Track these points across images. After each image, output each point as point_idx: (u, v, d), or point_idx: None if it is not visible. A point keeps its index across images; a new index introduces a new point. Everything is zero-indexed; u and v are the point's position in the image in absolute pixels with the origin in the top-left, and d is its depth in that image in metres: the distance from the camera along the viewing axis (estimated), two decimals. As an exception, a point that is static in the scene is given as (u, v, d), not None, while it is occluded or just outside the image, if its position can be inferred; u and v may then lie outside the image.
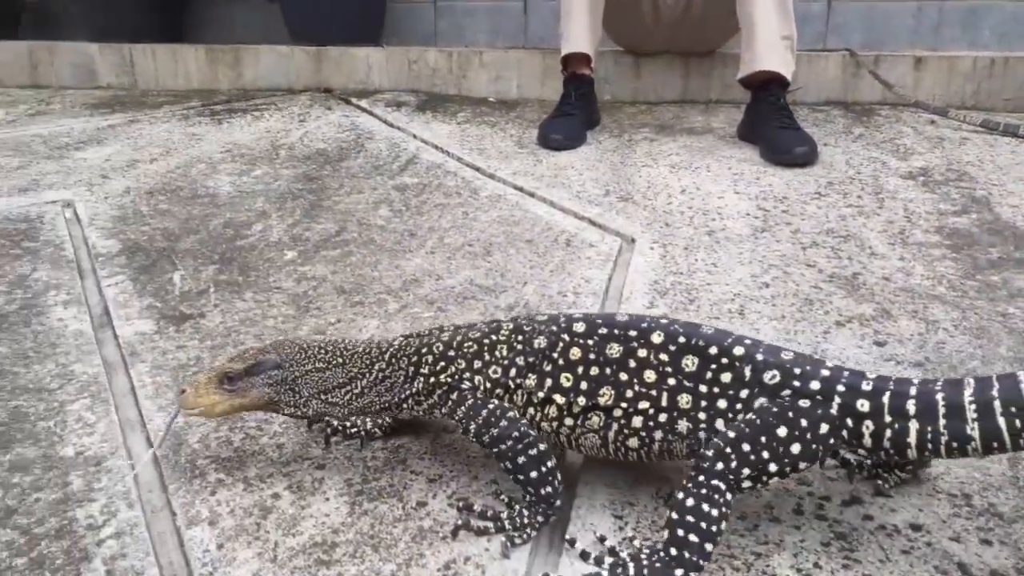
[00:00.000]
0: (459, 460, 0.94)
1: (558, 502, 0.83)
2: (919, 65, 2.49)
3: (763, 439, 0.75)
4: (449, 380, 0.88)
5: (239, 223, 1.69)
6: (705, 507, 0.73)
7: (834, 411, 0.76)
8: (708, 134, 2.27)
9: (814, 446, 0.75)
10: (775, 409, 0.76)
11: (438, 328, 0.93)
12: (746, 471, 0.74)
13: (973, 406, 0.71)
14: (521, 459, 0.82)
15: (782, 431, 0.75)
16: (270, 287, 1.40)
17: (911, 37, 2.80)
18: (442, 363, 0.88)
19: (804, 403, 0.76)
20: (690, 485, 0.74)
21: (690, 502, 0.73)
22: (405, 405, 0.91)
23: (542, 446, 0.83)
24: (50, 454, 0.96)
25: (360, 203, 1.81)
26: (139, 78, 3.02)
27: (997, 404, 0.71)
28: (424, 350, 0.89)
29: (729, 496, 0.74)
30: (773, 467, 0.75)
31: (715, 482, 0.74)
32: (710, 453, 0.75)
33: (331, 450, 0.96)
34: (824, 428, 0.75)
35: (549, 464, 0.82)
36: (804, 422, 0.75)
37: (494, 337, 0.88)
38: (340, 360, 0.90)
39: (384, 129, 2.39)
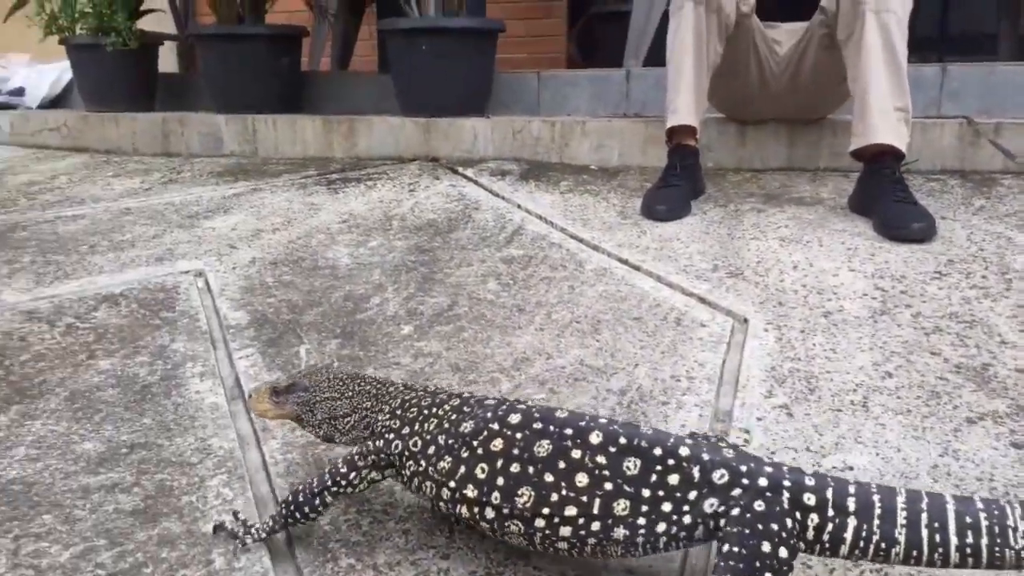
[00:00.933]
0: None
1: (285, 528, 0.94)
2: (1043, 132, 2.38)
3: (757, 564, 0.74)
4: (381, 432, 0.94)
5: (358, 296, 1.77)
6: None
7: (786, 505, 0.76)
8: (818, 205, 2.23)
9: (792, 542, 0.76)
10: (746, 530, 0.75)
11: (424, 388, 0.99)
12: None
13: (904, 513, 0.75)
14: (304, 495, 0.92)
15: (766, 546, 0.74)
16: (389, 363, 1.45)
17: (1033, 101, 2.69)
18: (389, 417, 0.95)
19: (760, 506, 0.76)
20: None
21: None
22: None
23: (314, 513, 0.92)
24: (193, 530, 1.02)
25: (470, 276, 1.86)
26: (260, 146, 3.22)
27: (924, 517, 0.74)
28: (390, 402, 0.97)
29: None
30: None
31: None
32: None
33: (455, 539, 0.98)
34: (789, 523, 0.76)
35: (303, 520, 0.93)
36: (775, 526, 0.75)
37: (435, 410, 0.92)
38: (349, 393, 1.00)
39: (490, 199, 2.46)
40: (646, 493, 0.79)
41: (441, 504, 0.87)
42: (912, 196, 2.01)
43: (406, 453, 0.90)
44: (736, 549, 0.75)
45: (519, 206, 2.36)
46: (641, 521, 0.78)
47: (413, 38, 3.02)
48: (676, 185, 2.23)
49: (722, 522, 0.76)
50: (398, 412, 0.94)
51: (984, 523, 0.73)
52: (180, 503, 1.07)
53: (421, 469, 0.88)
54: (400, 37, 3.07)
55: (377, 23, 3.59)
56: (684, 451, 0.80)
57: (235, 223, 2.31)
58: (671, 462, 0.79)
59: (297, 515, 0.94)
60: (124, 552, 0.97)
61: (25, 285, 1.86)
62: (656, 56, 3.39)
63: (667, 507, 0.78)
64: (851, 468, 1.09)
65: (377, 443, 0.93)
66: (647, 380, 1.35)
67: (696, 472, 0.78)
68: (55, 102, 4.02)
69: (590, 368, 1.41)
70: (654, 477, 0.79)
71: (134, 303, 1.75)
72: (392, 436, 0.92)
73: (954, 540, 0.73)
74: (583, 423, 0.83)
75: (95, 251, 2.10)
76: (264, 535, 0.96)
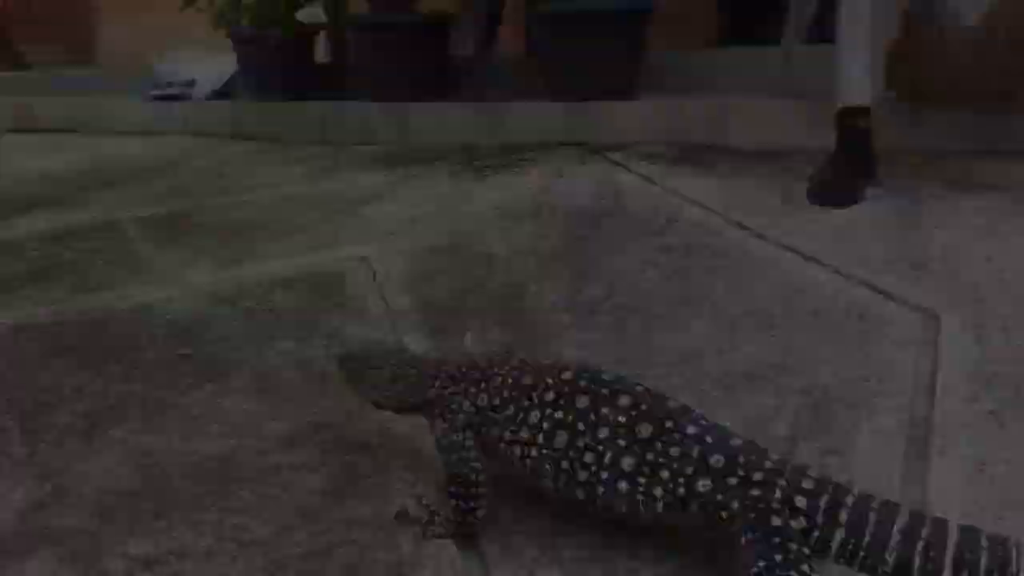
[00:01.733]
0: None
1: (472, 519, 0.97)
2: None
3: (777, 539, 0.78)
4: (448, 397, 1.02)
5: (515, 283, 1.77)
6: None
7: (777, 499, 0.80)
8: (1010, 191, 2.03)
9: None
10: (751, 515, 0.80)
11: (469, 357, 1.08)
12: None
13: (899, 537, 0.75)
14: (458, 486, 0.97)
15: (776, 520, 0.79)
16: (552, 354, 1.44)
17: None
18: (449, 382, 1.03)
19: (756, 492, 0.81)
20: None
21: None
22: (423, 408, 1.06)
23: (475, 472, 0.97)
24: (380, 513, 1.04)
25: (626, 265, 1.82)
26: (411, 135, 3.30)
27: (920, 545, 0.74)
28: (445, 369, 1.05)
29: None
30: None
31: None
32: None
33: (640, 540, 0.96)
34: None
35: (477, 487, 0.97)
36: (775, 504, 0.80)
37: (496, 370, 1.01)
38: (393, 362, 1.09)
39: (641, 184, 2.40)
40: (650, 457, 0.87)
41: (501, 446, 0.97)
42: None
43: (473, 408, 1.00)
44: (755, 533, 0.79)
45: (674, 192, 2.29)
46: (641, 480, 0.87)
47: (561, 22, 2.99)
48: (848, 169, 2.10)
49: (723, 514, 0.82)
50: (456, 376, 1.03)
51: (984, 564, 0.72)
52: (366, 485, 1.10)
53: (491, 418, 0.98)
54: (547, 21, 3.05)
55: (524, 7, 3.58)
56: (691, 430, 0.87)
57: (393, 210, 2.37)
58: (676, 436, 0.86)
59: (472, 504, 0.96)
60: (317, 531, 1.01)
61: (207, 268, 1.99)
62: (816, 33, 3.20)
63: (665, 474, 0.86)
64: (1081, 488, 0.98)
65: (452, 407, 1.01)
66: (832, 380, 1.27)
67: (695, 451, 0.85)
68: (222, 93, 4.27)
69: (768, 365, 1.34)
70: (659, 445, 0.87)
71: (306, 287, 1.83)
72: (461, 397, 1.01)
73: (947, 574, 0.73)
74: (619, 386, 0.92)
75: (267, 236, 2.21)
76: (448, 535, 0.98)
